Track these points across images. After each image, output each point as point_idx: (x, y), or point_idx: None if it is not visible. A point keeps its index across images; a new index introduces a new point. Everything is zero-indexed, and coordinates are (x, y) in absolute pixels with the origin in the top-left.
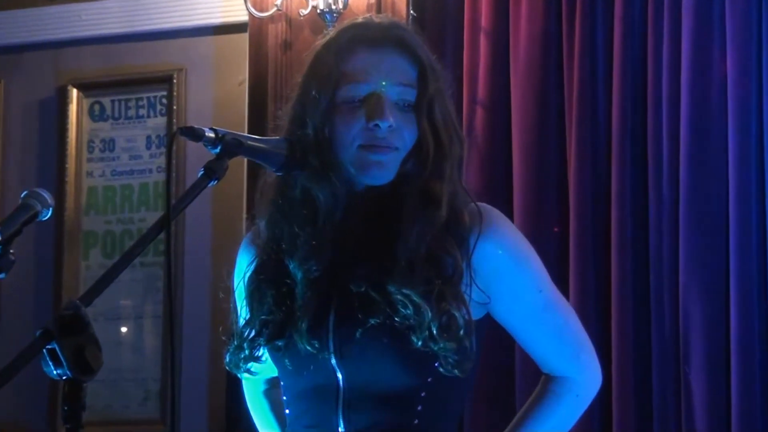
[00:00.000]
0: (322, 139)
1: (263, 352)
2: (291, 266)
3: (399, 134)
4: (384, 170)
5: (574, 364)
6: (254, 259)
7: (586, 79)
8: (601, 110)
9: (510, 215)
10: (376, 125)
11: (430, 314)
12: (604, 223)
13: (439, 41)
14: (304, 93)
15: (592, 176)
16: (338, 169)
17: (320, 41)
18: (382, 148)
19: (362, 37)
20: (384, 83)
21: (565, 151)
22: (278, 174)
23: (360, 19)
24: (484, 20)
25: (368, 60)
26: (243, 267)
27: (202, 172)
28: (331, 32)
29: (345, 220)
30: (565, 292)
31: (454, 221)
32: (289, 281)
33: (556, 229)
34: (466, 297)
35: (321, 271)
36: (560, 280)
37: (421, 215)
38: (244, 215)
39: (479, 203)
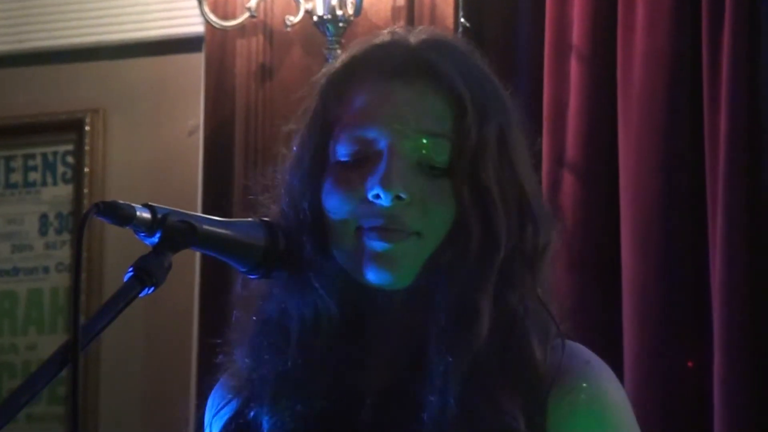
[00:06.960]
0: (318, 223)
1: None
2: (264, 424)
3: (419, 210)
4: (393, 266)
5: None
6: (224, 407)
7: (738, 128)
8: None
9: (614, 362)
10: (377, 196)
11: None
12: None
13: (504, 69)
14: (297, 153)
15: (751, 288)
16: (330, 269)
17: (321, 72)
18: (388, 232)
19: (370, 64)
20: (395, 130)
21: (705, 244)
22: (252, 276)
23: (379, 36)
24: (577, 36)
25: (373, 97)
26: (209, 421)
27: (130, 274)
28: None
29: (346, 349)
30: None
31: (520, 360)
32: None
33: (690, 365)
34: None
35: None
36: None
37: (452, 344)
38: (195, 335)
39: (569, 341)
